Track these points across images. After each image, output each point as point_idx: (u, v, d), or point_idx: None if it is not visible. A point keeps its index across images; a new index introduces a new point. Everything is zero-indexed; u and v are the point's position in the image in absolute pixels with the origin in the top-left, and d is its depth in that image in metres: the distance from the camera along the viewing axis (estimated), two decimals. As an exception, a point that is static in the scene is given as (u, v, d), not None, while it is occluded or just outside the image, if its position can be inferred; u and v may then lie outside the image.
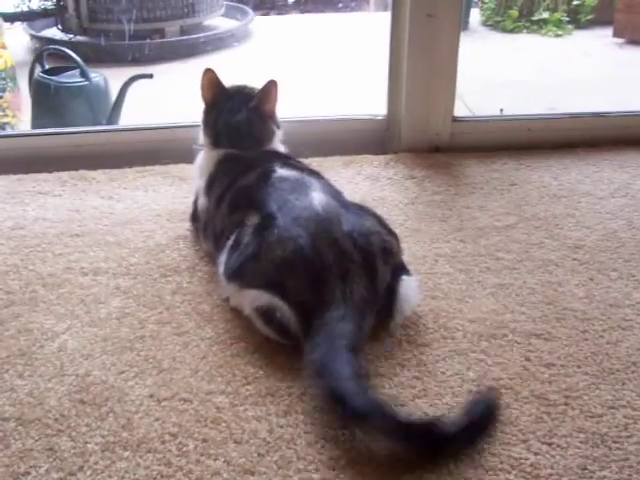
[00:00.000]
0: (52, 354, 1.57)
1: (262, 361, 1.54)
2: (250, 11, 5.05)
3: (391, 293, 1.61)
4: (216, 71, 1.89)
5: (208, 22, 4.91)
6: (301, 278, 1.53)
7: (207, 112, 1.93)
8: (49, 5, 4.91)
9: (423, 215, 2.10)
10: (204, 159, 1.95)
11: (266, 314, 1.57)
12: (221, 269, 1.69)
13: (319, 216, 1.59)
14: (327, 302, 1.51)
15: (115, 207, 2.12)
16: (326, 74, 4.22)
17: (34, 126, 3.03)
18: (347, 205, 1.70)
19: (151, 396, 1.46)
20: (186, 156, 2.07)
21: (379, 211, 1.89)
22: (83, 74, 2.98)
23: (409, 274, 1.67)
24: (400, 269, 1.67)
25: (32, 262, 1.88)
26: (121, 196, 2.18)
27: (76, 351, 1.58)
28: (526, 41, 5.00)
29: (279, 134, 1.96)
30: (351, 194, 1.81)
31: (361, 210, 1.71)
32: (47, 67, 3.12)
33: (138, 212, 2.09)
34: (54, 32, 4.70)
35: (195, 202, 1.96)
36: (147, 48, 4.43)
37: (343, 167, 2.34)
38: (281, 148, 1.97)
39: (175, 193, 2.20)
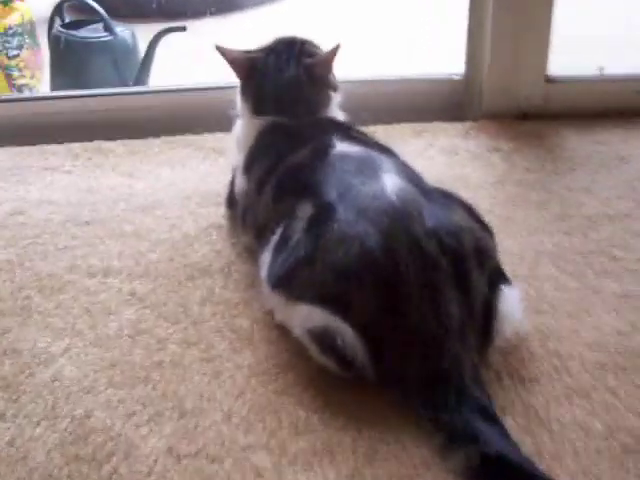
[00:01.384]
0: (44, 385, 1.21)
1: (317, 401, 1.17)
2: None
3: (488, 309, 1.21)
4: (229, 43, 1.52)
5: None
6: (370, 292, 1.15)
7: (245, 78, 1.53)
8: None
9: (515, 199, 1.68)
10: (242, 129, 1.56)
11: (322, 339, 1.18)
12: (264, 272, 1.30)
13: (394, 207, 1.20)
14: (406, 325, 1.12)
15: (135, 187, 1.74)
16: (390, 26, 3.74)
17: (53, 88, 2.65)
18: (429, 192, 1.29)
19: (169, 450, 1.09)
20: (224, 123, 1.67)
21: (461, 193, 1.50)
22: (107, 28, 2.58)
23: (509, 283, 1.26)
24: (498, 276, 1.27)
25: (29, 258, 1.51)
26: (143, 173, 1.80)
27: (75, 382, 1.21)
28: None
29: (337, 98, 1.55)
30: (424, 171, 1.41)
31: (447, 198, 1.31)
32: (67, 20, 2.71)
33: (163, 194, 1.70)
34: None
35: (232, 182, 1.57)
36: (184, 2, 4.01)
37: (413, 137, 1.92)
38: (339, 115, 1.56)
39: (209, 170, 1.81)
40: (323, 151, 1.36)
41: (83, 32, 2.60)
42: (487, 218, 1.33)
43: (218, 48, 1.49)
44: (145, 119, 1.97)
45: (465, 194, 1.59)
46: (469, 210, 1.31)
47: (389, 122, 1.96)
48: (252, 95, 1.52)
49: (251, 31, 3.94)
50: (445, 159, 1.84)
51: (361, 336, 1.15)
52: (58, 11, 2.71)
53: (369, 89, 1.97)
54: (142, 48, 2.66)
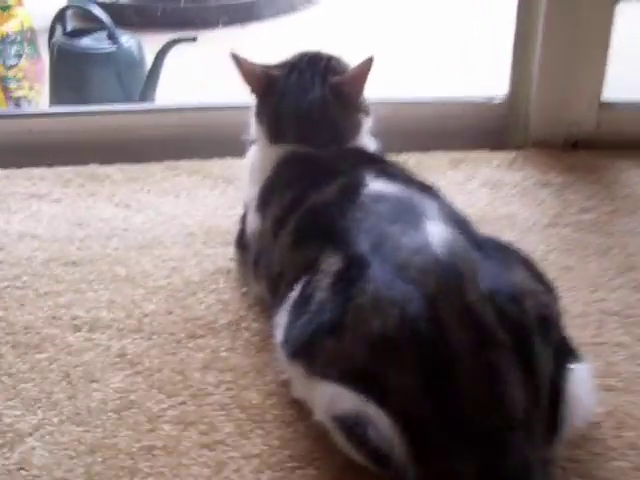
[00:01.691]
0: (8, 474, 0.96)
1: (344, 507, 0.91)
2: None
3: (555, 392, 0.98)
4: (245, 55, 1.28)
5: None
6: (412, 371, 0.92)
7: (261, 97, 1.30)
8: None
9: (571, 244, 1.45)
10: (257, 159, 1.33)
11: (352, 427, 0.96)
12: (280, 336, 1.07)
13: (441, 264, 0.96)
14: (458, 413, 0.90)
15: (132, 221, 1.51)
16: (423, 42, 3.50)
17: (53, 101, 2.43)
18: (482, 244, 1.06)
19: None
20: (235, 148, 1.45)
21: (507, 235, 1.28)
22: (112, 37, 2.36)
23: (577, 357, 1.02)
24: (565, 350, 1.04)
25: (4, 305, 1.29)
26: (142, 204, 1.56)
27: (45, 471, 0.98)
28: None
29: (368, 124, 1.32)
30: (463, 208, 1.19)
31: (504, 252, 1.08)
32: (70, 29, 2.49)
33: (163, 229, 1.47)
34: (95, -10, 4.08)
35: (243, 220, 1.34)
36: (198, 11, 3.80)
37: (450, 168, 1.68)
38: (371, 145, 1.33)
39: (217, 202, 1.57)
40: (354, 190, 1.14)
41: (85, 41, 2.38)
42: (541, 266, 1.09)
43: (234, 57, 1.27)
44: (147, 141, 1.74)
45: (512, 237, 1.38)
46: (530, 267, 1.08)
47: (423, 150, 1.73)
48: (269, 119, 1.29)
49: (267, 43, 3.71)
50: (488, 194, 1.60)
51: (400, 426, 0.91)
52: (60, 18, 2.50)
53: (399, 112, 1.72)
54: (149, 60, 2.43)
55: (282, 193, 1.23)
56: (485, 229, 1.12)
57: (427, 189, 1.19)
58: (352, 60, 1.33)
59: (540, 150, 1.76)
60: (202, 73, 2.99)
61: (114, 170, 1.68)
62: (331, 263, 1.05)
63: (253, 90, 1.31)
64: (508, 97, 1.79)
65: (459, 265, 0.98)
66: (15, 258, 1.40)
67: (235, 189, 1.60)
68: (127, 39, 2.39)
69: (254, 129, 1.33)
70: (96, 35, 2.41)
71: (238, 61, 1.28)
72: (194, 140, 1.75)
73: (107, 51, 2.35)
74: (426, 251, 1.00)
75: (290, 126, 1.28)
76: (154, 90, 2.33)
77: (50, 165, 1.70)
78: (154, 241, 1.44)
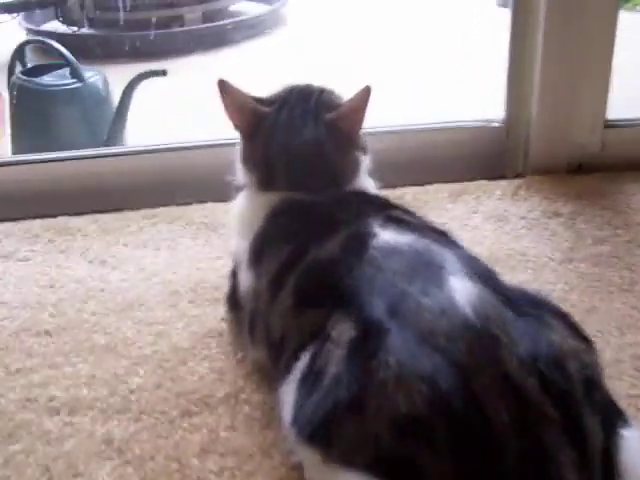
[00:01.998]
0: None
1: None
2: (284, -9, 4.26)
3: (607, 465, 0.85)
4: (232, 81, 1.15)
5: (233, 7, 4.12)
6: (447, 454, 0.79)
7: (247, 137, 1.17)
8: (48, -7, 4.17)
9: (592, 281, 1.33)
10: (246, 207, 1.20)
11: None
12: (288, 415, 0.94)
13: (471, 328, 0.85)
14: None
15: (110, 279, 1.36)
16: (394, 67, 3.39)
17: (15, 144, 2.27)
18: (510, 297, 0.93)
19: None
20: (216, 191, 1.35)
21: (521, 276, 1.16)
22: (75, 73, 2.21)
23: (626, 421, 0.90)
24: (612, 413, 0.91)
25: (-30, 388, 1.12)
26: (119, 259, 1.42)
27: None
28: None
29: (366, 162, 1.19)
30: (470, 247, 1.08)
31: (535, 305, 0.95)
32: (30, 65, 2.34)
33: (144, 287, 1.33)
34: (55, 25, 3.94)
35: (233, 275, 1.20)
36: (165, 39, 3.67)
37: (451, 201, 1.56)
38: (370, 185, 1.20)
39: (201, 252, 1.44)
40: (360, 242, 1.01)
41: (47, 79, 2.22)
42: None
43: (222, 84, 1.13)
44: (120, 187, 1.61)
45: (526, 276, 1.26)
46: (565, 320, 0.96)
47: (417, 183, 1.60)
48: (259, 163, 1.16)
49: (239, 68, 3.59)
50: (494, 229, 1.48)
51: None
52: (19, 54, 2.34)
53: (390, 142, 1.61)
54: (116, 95, 2.29)
55: (277, 247, 1.09)
56: (496, 268, 0.99)
57: (441, 236, 1.07)
58: (337, 86, 1.21)
59: (543, 176, 1.64)
60: (173, 105, 2.86)
61: (86, 222, 1.54)
62: (343, 330, 0.92)
63: (239, 128, 1.17)
64: (505, 120, 1.67)
65: (492, 328, 0.86)
66: (-20, 330, 1.24)
67: (219, 237, 1.46)
68: (92, 75, 2.24)
69: (241, 174, 1.20)
70: (59, 71, 2.26)
71: (226, 89, 1.14)
72: (171, 184, 1.61)
73: (71, 88, 2.19)
74: (453, 313, 0.87)
75: (282, 171, 1.15)
76: (123, 128, 2.19)
77: (15, 219, 1.54)
78: (135, 302, 1.29)
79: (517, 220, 1.51)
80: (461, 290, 0.90)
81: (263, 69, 3.48)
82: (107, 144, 2.18)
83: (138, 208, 1.57)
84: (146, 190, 1.60)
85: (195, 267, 1.38)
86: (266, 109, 1.16)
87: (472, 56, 3.34)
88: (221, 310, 1.25)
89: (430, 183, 1.60)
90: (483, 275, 0.97)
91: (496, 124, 1.68)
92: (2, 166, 1.62)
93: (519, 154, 1.69)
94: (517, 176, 1.68)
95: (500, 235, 1.46)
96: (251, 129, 1.16)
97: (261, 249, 1.12)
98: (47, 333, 1.23)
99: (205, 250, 1.43)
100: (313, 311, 0.98)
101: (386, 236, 1.01)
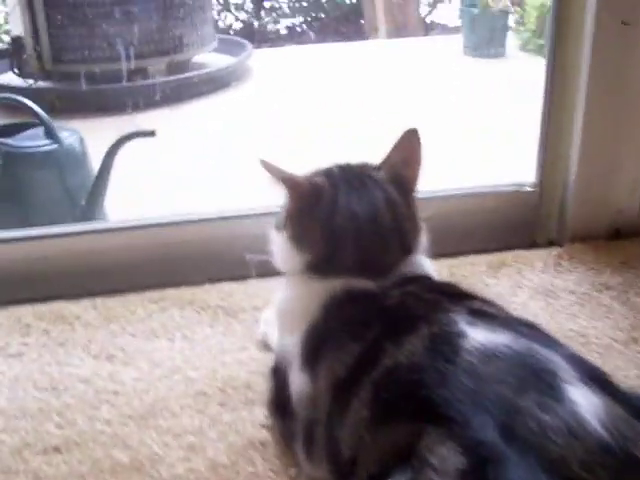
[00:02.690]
0: None
1: None
2: (248, 44, 4.14)
3: None
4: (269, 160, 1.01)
5: (198, 59, 3.98)
6: None
7: (300, 213, 1.01)
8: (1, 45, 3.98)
9: (666, 364, 1.17)
10: (296, 297, 1.03)
11: None
12: None
13: (608, 451, 0.72)
14: None
15: (122, 378, 1.18)
16: (361, 117, 3.28)
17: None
18: (635, 405, 0.78)
19: None
20: (230, 268, 1.27)
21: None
22: (49, 134, 2.02)
23: None
24: None
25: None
26: (129, 353, 1.24)
27: None
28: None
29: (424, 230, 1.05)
30: None
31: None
32: (-2, 125, 2.15)
33: (164, 388, 1.15)
34: (10, 77, 3.75)
35: (275, 374, 1.02)
36: (127, 92, 3.51)
37: (491, 274, 1.42)
38: (428, 264, 1.05)
39: (222, 341, 1.26)
40: (448, 343, 0.85)
41: (19, 140, 2.03)
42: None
43: (265, 164, 0.98)
44: (119, 264, 1.41)
45: (594, 360, 1.11)
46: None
47: (447, 253, 1.45)
48: (317, 240, 0.99)
49: (206, 121, 3.45)
50: (544, 306, 1.34)
51: None
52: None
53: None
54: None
55: (341, 345, 0.93)
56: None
57: (535, 331, 0.91)
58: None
59: (583, 244, 1.52)
60: (145, 163, 2.69)
61: (84, 307, 1.35)
62: (445, 456, 0.76)
63: (292, 204, 1.01)
64: (538, 184, 1.54)
65: (631, 449, 0.71)
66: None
67: (240, 323, 1.28)
68: (68, 134, 2.05)
69: (284, 256, 1.03)
70: (30, 132, 2.06)
71: (269, 168, 0.99)
72: (176, 261, 1.42)
73: (45, 150, 2.00)
74: (583, 433, 0.73)
75: (348, 245, 0.99)
76: (104, 194, 2.01)
77: (3, 305, 1.35)
78: (156, 406, 1.11)
79: (566, 295, 1.37)
80: (584, 403, 0.75)
81: (231, 122, 3.35)
82: (85, 211, 2.00)
83: (141, 290, 1.38)
84: (147, 269, 1.41)
85: (219, 361, 1.20)
86: (320, 179, 1.01)
87: (449, 112, 3.26)
88: (259, 414, 1.07)
89: (461, 253, 1.46)
90: (597, 379, 0.82)
91: (529, 188, 1.54)
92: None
93: (552, 220, 1.55)
94: (550, 243, 1.54)
95: (553, 313, 1.31)
96: (304, 203, 1.00)
97: (318, 346, 0.96)
98: (56, 450, 1.04)
99: (227, 340, 1.25)
100: (397, 427, 0.82)
101: (478, 336, 0.86)
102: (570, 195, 1.52)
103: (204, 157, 2.92)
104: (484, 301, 0.97)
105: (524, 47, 4.52)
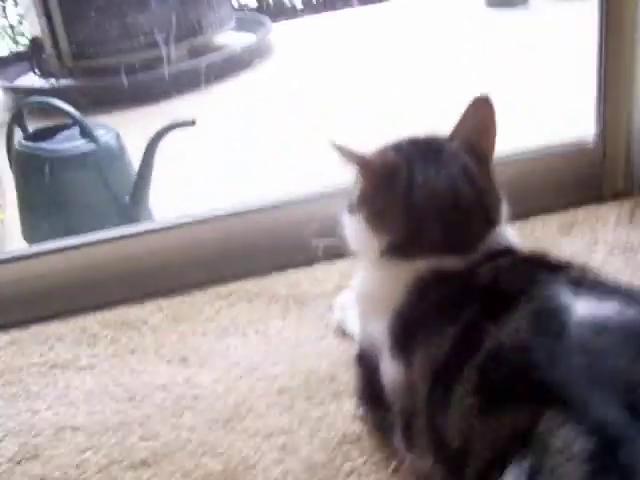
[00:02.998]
0: None
1: None
2: (267, 20, 4.05)
3: None
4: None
5: (219, 39, 3.91)
6: None
7: (376, 190, 0.95)
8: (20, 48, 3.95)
9: None
10: (379, 281, 0.97)
11: None
12: None
13: None
14: None
15: (200, 381, 1.15)
16: (385, 89, 3.20)
17: (24, 225, 2.02)
18: None
19: None
20: (294, 255, 1.23)
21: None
22: (85, 133, 1.97)
23: None
24: None
25: None
26: (203, 354, 1.21)
27: None
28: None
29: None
30: None
31: None
32: (31, 130, 2.09)
33: (246, 388, 1.11)
34: (31, 79, 3.71)
35: (361, 361, 0.98)
36: (150, 82, 3.45)
37: (563, 235, 1.36)
38: (511, 234, 0.99)
39: (297, 332, 1.22)
40: (554, 318, 0.80)
41: (55, 143, 1.99)
42: None
43: (336, 146, 0.93)
44: (178, 265, 1.37)
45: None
46: None
47: (518, 216, 1.38)
48: (397, 218, 0.93)
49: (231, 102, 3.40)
50: (624, 263, 1.27)
51: None
52: (17, 119, 2.10)
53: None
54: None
55: (435, 328, 0.88)
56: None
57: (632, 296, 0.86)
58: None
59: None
60: (179, 153, 2.64)
61: (149, 311, 1.31)
62: (569, 439, 0.71)
63: (367, 186, 0.96)
64: (600, 137, 1.46)
65: None
66: (60, 468, 1.01)
67: (313, 311, 1.24)
68: (103, 132, 2.00)
69: (360, 239, 0.98)
70: (66, 133, 2.02)
71: (339, 149, 0.94)
72: (237, 253, 1.38)
73: (84, 151, 1.96)
74: None
75: (432, 221, 0.93)
76: (148, 188, 1.96)
77: (60, 316, 1.31)
78: (241, 408, 1.07)
79: (647, 249, 1.30)
80: None
81: (255, 103, 3.30)
82: (131, 209, 1.96)
83: (205, 286, 1.34)
84: (207, 264, 1.38)
85: (297, 354, 1.16)
86: (393, 156, 0.95)
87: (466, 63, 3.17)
88: (349, 406, 1.03)
89: (529, 214, 1.40)
90: None
91: (590, 144, 1.47)
92: (22, 259, 1.37)
93: (618, 171, 1.48)
94: (617, 195, 1.47)
95: (636, 270, 1.25)
96: (379, 182, 0.95)
97: (409, 332, 0.91)
98: (144, 463, 1.00)
99: (302, 331, 1.21)
100: (511, 411, 0.77)
101: (583, 308, 0.80)
102: (636, 144, 1.44)
103: (240, 141, 2.86)
104: (581, 269, 0.92)
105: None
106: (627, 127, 1.45)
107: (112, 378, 1.18)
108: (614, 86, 1.43)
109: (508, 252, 0.95)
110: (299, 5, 5.21)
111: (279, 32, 4.16)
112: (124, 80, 3.52)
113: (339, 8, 4.89)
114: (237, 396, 1.09)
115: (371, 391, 0.99)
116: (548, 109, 2.59)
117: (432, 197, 0.93)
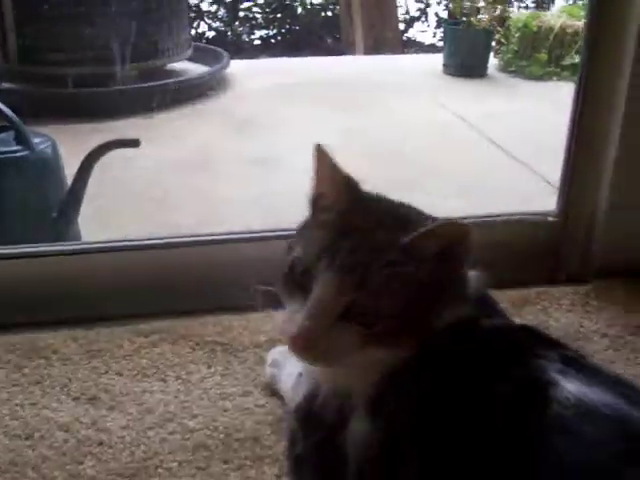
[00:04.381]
0: None
1: None
2: (225, 54, 3.99)
3: None
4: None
5: (172, 66, 3.82)
6: None
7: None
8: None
9: None
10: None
11: None
12: None
13: None
14: None
15: (108, 426, 1.04)
16: (338, 136, 3.14)
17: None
18: None
19: None
20: (229, 298, 1.13)
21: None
22: (20, 139, 1.84)
23: None
24: None
25: None
26: (115, 395, 1.09)
27: None
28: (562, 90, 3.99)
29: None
30: None
31: None
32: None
33: (158, 439, 1.02)
34: (-30, 80, 3.56)
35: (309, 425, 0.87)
36: (98, 98, 3.34)
37: (514, 312, 1.27)
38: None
39: (222, 384, 1.12)
40: (539, 399, 0.71)
41: (-11, 146, 1.85)
42: None
43: (319, 151, 0.82)
44: (102, 292, 1.26)
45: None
46: None
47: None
48: None
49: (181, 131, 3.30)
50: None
51: None
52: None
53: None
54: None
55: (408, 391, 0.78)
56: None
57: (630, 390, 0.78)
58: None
59: (611, 281, 1.38)
60: (118, 174, 2.53)
61: (62, 340, 1.19)
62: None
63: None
64: (559, 213, 1.41)
65: None
66: None
67: (242, 363, 1.13)
68: (40, 140, 1.88)
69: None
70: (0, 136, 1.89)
71: (324, 159, 0.83)
72: (166, 288, 1.27)
73: (16, 156, 1.82)
74: None
75: None
76: (78, 206, 1.84)
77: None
78: (149, 462, 0.95)
79: (598, 338, 1.24)
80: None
81: (202, 134, 3.21)
82: (57, 225, 1.83)
83: (127, 320, 1.22)
84: (133, 296, 1.26)
85: (219, 408, 1.05)
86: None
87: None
88: (270, 474, 0.92)
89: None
90: None
91: (551, 218, 1.41)
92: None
93: (573, 252, 1.43)
94: (572, 279, 1.42)
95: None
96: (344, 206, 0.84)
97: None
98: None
99: (227, 383, 1.10)
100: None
101: (570, 387, 0.72)
102: (599, 226, 1.39)
103: (183, 168, 2.76)
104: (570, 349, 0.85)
105: (505, 68, 4.44)
106: (591, 209, 1.39)
107: (10, 410, 1.05)
108: (582, 166, 1.38)
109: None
110: (256, 41, 5.18)
111: (236, 68, 4.10)
112: (70, 91, 3.40)
113: (296, 55, 4.89)
114: (147, 448, 0.98)
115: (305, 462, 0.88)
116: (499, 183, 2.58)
117: None
